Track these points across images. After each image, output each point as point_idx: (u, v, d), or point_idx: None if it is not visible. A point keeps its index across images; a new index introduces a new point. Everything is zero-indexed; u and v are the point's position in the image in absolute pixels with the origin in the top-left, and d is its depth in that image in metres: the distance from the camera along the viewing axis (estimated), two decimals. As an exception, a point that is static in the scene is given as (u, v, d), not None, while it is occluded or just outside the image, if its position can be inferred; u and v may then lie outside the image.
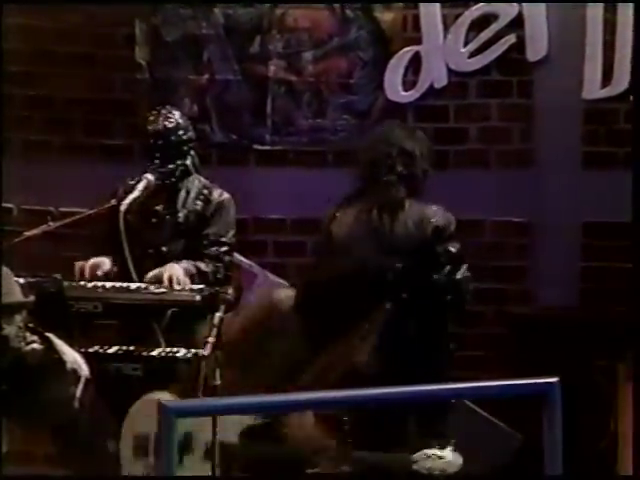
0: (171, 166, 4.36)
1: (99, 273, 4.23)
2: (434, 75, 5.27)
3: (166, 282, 4.11)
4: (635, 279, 4.16)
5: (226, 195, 4.44)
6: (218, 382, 3.90)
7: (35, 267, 4.52)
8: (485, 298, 5.32)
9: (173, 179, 4.37)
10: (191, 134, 4.45)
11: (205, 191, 4.42)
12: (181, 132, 4.39)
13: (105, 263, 4.28)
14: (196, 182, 4.44)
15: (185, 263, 4.23)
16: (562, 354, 4.64)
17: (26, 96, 5.42)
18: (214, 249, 4.33)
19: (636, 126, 4.56)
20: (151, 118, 4.42)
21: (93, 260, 4.26)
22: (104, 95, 5.41)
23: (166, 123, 4.37)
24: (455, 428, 3.78)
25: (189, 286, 4.13)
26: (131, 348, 4.11)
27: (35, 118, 5.43)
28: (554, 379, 2.35)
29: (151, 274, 4.16)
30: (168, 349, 4.08)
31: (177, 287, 4.09)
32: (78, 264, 4.25)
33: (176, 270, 4.16)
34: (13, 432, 3.46)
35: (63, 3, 5.34)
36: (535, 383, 2.38)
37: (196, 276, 4.22)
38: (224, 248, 4.35)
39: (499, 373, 4.70)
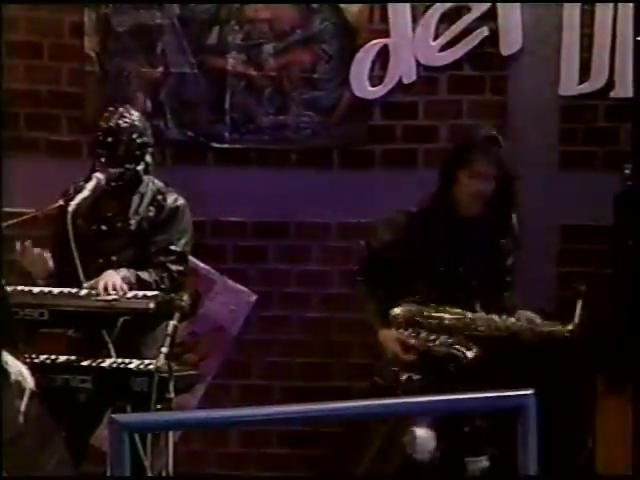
0: (119, 169, 4.30)
1: (36, 252, 4.20)
2: (403, 70, 5.29)
3: (101, 291, 4.08)
4: (615, 285, 4.20)
5: (181, 201, 4.41)
6: (172, 395, 3.89)
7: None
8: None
9: (121, 183, 4.33)
10: (147, 139, 4.38)
11: (159, 196, 4.38)
12: (135, 135, 4.33)
13: (48, 258, 4.25)
14: (150, 186, 4.40)
15: (124, 271, 4.19)
16: (537, 365, 4.66)
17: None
18: (161, 258, 4.29)
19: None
20: (106, 114, 4.38)
21: (38, 249, 4.24)
22: (50, 87, 5.38)
23: (120, 122, 4.32)
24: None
25: (143, 293, 4.11)
26: (80, 359, 4.09)
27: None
28: (528, 391, 2.36)
29: (87, 284, 4.13)
30: (120, 360, 4.06)
31: (113, 295, 4.05)
32: (22, 244, 4.22)
33: (113, 278, 4.12)
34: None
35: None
36: (509, 396, 2.39)
37: (135, 285, 4.18)
38: (172, 257, 4.31)
39: (472, 385, 4.71)
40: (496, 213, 4.33)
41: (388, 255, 4.33)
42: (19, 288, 4.13)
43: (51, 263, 4.27)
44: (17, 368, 3.49)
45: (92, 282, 4.13)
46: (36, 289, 4.16)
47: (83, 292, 4.12)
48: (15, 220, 4.36)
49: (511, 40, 5.21)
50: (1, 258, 4.08)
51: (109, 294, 4.06)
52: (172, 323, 3.92)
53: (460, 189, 4.28)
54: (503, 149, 4.35)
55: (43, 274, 4.27)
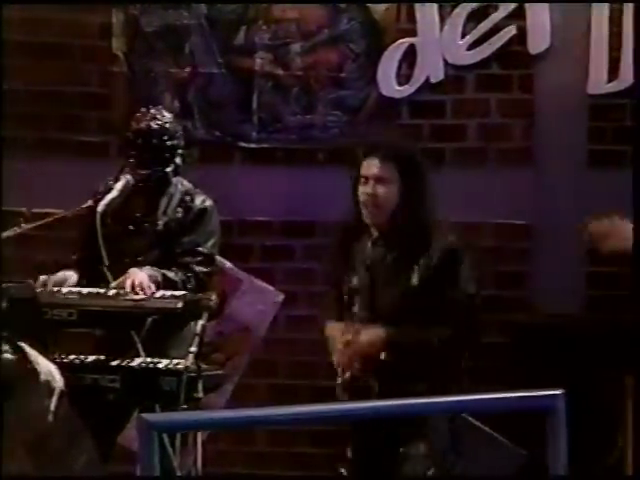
0: (147, 171, 4.32)
1: (63, 291, 4.21)
2: (430, 69, 5.29)
3: (128, 289, 4.10)
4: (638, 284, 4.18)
5: (209, 202, 4.42)
6: (200, 394, 3.91)
7: (6, 272, 4.53)
8: (483, 305, 5.35)
9: (149, 184, 4.35)
10: (178, 142, 4.38)
11: (187, 197, 4.39)
12: (165, 137, 4.33)
13: (71, 277, 4.26)
14: (179, 187, 4.41)
15: (149, 270, 4.21)
16: (566, 365, 4.66)
17: (-6, 90, 5.42)
18: (187, 259, 4.31)
19: (637, 126, 4.59)
20: (138, 115, 4.39)
21: (58, 275, 4.24)
22: (78, 88, 5.41)
23: (151, 123, 4.32)
24: (454, 444, 3.79)
25: (170, 292, 4.13)
26: (109, 358, 4.11)
27: (4, 113, 5.43)
28: (558, 391, 2.37)
29: (114, 283, 4.15)
30: (148, 359, 4.08)
31: (140, 294, 4.07)
32: (42, 278, 4.23)
33: (139, 275, 4.14)
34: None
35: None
36: (538, 396, 2.40)
37: (161, 284, 4.20)
38: (198, 258, 4.32)
39: (499, 385, 4.72)
40: (406, 224, 3.77)
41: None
42: (48, 288, 4.16)
43: (74, 278, 4.29)
44: (47, 368, 3.52)
45: (119, 280, 4.16)
46: (65, 289, 4.19)
47: (111, 292, 4.14)
48: (44, 221, 4.39)
49: (539, 39, 5.20)
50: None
51: (136, 292, 4.08)
52: (201, 323, 3.94)
53: (358, 194, 3.83)
54: (407, 150, 3.89)
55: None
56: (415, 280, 3.75)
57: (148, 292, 4.09)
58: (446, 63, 5.28)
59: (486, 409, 2.67)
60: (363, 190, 3.80)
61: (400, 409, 2.49)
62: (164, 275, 4.22)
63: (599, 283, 5.13)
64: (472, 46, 5.26)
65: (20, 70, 5.40)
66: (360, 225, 3.86)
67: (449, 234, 3.87)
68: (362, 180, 3.81)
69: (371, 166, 3.79)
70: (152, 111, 4.38)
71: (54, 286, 4.18)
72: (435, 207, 3.87)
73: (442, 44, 5.27)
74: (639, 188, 4.25)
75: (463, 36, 5.26)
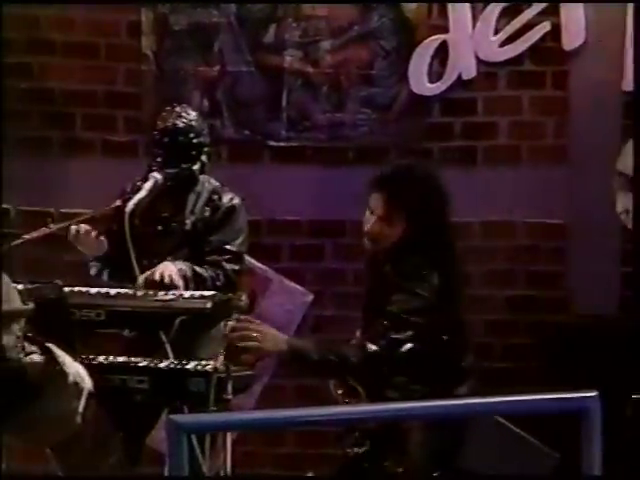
0: (175, 169, 4.35)
1: (92, 236, 4.26)
2: (462, 66, 5.28)
3: (157, 279, 4.12)
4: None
5: (236, 200, 4.44)
6: (229, 395, 3.92)
7: (34, 272, 4.56)
8: (517, 305, 5.33)
9: (177, 182, 4.37)
10: (204, 139, 4.42)
11: (215, 196, 4.42)
12: (192, 135, 4.37)
13: (104, 242, 4.32)
14: (206, 185, 4.43)
15: (181, 264, 4.25)
16: (601, 366, 4.64)
17: (23, 89, 5.45)
18: (215, 256, 4.33)
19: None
20: (164, 113, 4.42)
21: (85, 226, 4.30)
22: (107, 88, 5.44)
23: (177, 122, 4.36)
24: (485, 446, 3.78)
25: (199, 293, 4.15)
26: (137, 359, 4.13)
27: (33, 112, 5.46)
28: (592, 393, 2.36)
29: (143, 276, 4.18)
30: (177, 361, 4.09)
31: (168, 284, 4.09)
32: (73, 227, 4.28)
33: (169, 268, 4.17)
34: (12, 449, 3.48)
35: (63, 3, 5.37)
36: (572, 398, 2.39)
37: (191, 279, 4.23)
38: (227, 256, 4.35)
39: (532, 387, 4.71)
40: (400, 268, 3.50)
41: None
42: (76, 289, 4.18)
43: (105, 245, 4.33)
44: (75, 369, 3.52)
45: (148, 273, 4.19)
46: (93, 290, 4.21)
47: (140, 292, 4.16)
48: (72, 221, 4.41)
49: (573, 35, 5.19)
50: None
51: (164, 284, 4.11)
52: (230, 323, 3.95)
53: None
54: (420, 189, 3.54)
55: (97, 254, 4.35)
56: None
57: (176, 284, 4.11)
58: (478, 60, 5.27)
59: (519, 411, 2.66)
60: (367, 220, 3.60)
61: (435, 410, 2.48)
62: (194, 270, 4.25)
63: (634, 283, 5.10)
64: (505, 42, 5.25)
65: (49, 69, 5.43)
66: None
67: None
68: (368, 209, 3.61)
69: (377, 201, 3.56)
70: (177, 109, 4.41)
71: (85, 233, 4.22)
72: (449, 246, 3.61)
73: (474, 41, 5.26)
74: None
75: (496, 32, 5.25)
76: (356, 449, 3.61)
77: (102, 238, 4.32)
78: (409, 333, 3.43)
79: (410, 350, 3.44)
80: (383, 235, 3.57)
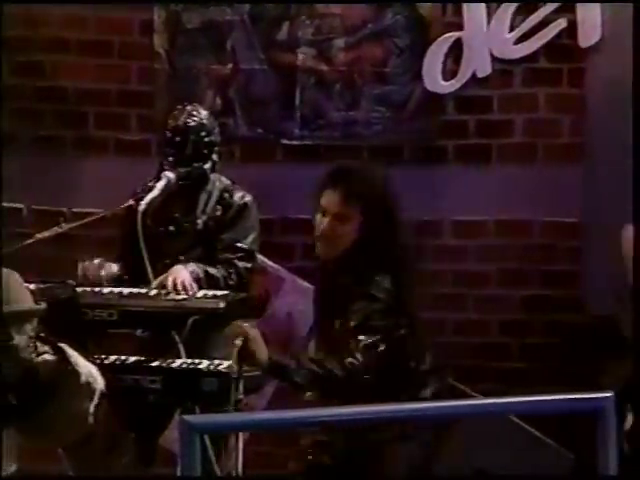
0: (187, 168, 4.36)
1: (102, 273, 4.26)
2: (477, 63, 5.28)
3: (170, 286, 4.13)
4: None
5: (248, 197, 4.45)
6: (242, 396, 3.93)
7: (47, 272, 4.57)
8: (532, 305, 5.33)
9: (189, 182, 4.39)
10: (215, 138, 4.44)
11: (226, 194, 4.43)
12: (203, 133, 4.39)
13: (111, 266, 4.31)
14: (217, 184, 4.45)
15: (193, 266, 4.26)
16: (617, 367, 4.63)
17: (35, 88, 5.47)
18: (228, 255, 4.34)
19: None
20: (175, 112, 4.44)
21: (98, 260, 4.30)
22: (119, 86, 5.45)
23: (188, 120, 4.38)
24: (500, 446, 3.79)
25: (212, 292, 4.16)
26: (150, 359, 4.14)
27: (45, 111, 5.48)
28: (608, 394, 2.36)
29: (156, 282, 4.19)
30: (189, 361, 4.11)
31: (182, 292, 4.10)
32: (82, 264, 4.28)
33: (182, 274, 4.18)
34: (24, 449, 3.50)
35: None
36: (587, 398, 2.39)
37: (203, 280, 4.24)
38: (239, 254, 4.36)
39: (547, 387, 4.70)
40: (357, 269, 3.51)
41: None
42: (89, 289, 4.20)
43: (115, 268, 4.33)
44: (87, 369, 3.54)
45: (161, 278, 4.19)
46: (106, 290, 4.22)
47: (152, 292, 4.18)
48: (84, 220, 4.43)
49: (590, 32, 5.18)
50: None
51: (178, 291, 4.11)
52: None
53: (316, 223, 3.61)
54: (374, 186, 3.57)
55: (109, 281, 4.35)
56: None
57: (190, 291, 4.12)
58: (493, 57, 5.27)
59: (535, 411, 2.66)
60: (319, 222, 3.58)
61: (449, 410, 2.48)
62: (206, 271, 4.26)
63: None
64: (520, 40, 5.25)
65: (61, 68, 5.45)
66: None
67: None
68: (321, 210, 3.58)
69: (331, 199, 3.53)
70: (188, 108, 4.43)
71: (94, 269, 4.23)
72: (402, 247, 3.63)
73: (489, 38, 5.25)
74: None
75: (511, 29, 5.24)
76: (318, 456, 3.63)
77: (109, 264, 4.31)
78: (378, 336, 3.45)
79: (381, 352, 3.46)
80: (337, 236, 3.54)
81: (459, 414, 2.62)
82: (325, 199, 3.55)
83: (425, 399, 3.50)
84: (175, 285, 4.13)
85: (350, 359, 3.40)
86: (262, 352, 3.44)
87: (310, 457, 3.64)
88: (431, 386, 3.59)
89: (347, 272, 3.53)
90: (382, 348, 3.46)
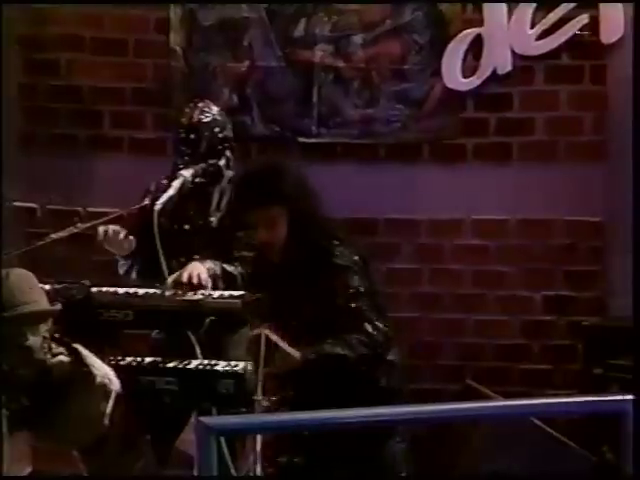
0: (202, 165, 4.37)
1: (121, 237, 4.28)
2: (497, 60, 5.27)
3: (185, 279, 4.14)
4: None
5: None
6: (260, 397, 3.93)
7: (62, 272, 4.58)
8: (553, 306, 5.32)
9: (203, 179, 4.39)
10: (228, 133, 4.44)
11: None
12: (217, 129, 4.40)
13: (129, 237, 4.33)
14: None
15: (209, 263, 4.26)
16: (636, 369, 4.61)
17: (50, 86, 5.49)
18: (243, 252, 4.34)
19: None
20: (186, 110, 4.44)
21: (113, 226, 4.32)
22: (135, 84, 5.47)
23: (202, 117, 4.38)
24: (521, 447, 3.78)
25: (229, 292, 4.16)
26: (166, 360, 4.14)
27: (59, 110, 5.50)
28: (630, 396, 2.35)
29: (171, 278, 4.19)
30: (206, 361, 4.11)
31: (197, 286, 4.11)
32: (101, 228, 4.31)
33: (198, 268, 4.19)
34: (38, 451, 3.51)
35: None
36: (609, 400, 2.39)
37: (219, 277, 4.24)
38: (255, 251, 4.36)
39: (568, 389, 4.69)
40: (298, 251, 3.93)
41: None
42: (104, 289, 4.20)
43: (134, 244, 4.35)
44: (103, 370, 3.55)
45: (176, 274, 4.20)
46: (121, 290, 4.23)
47: (168, 292, 4.18)
48: (100, 220, 4.44)
49: (612, 28, 5.16)
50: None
51: (193, 285, 4.12)
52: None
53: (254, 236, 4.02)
54: (284, 184, 3.96)
55: (126, 253, 4.37)
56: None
57: (205, 285, 4.13)
58: (514, 54, 5.26)
59: (557, 413, 2.66)
60: (257, 235, 3.96)
61: (470, 412, 2.48)
62: (223, 268, 4.27)
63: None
64: (541, 36, 5.24)
65: (76, 66, 5.46)
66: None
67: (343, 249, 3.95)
68: (261, 226, 3.94)
69: (257, 214, 3.92)
70: (200, 104, 4.43)
71: (114, 235, 4.25)
72: (327, 223, 4.05)
73: (510, 34, 5.24)
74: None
75: (532, 25, 5.23)
76: (289, 458, 3.69)
77: (131, 237, 4.34)
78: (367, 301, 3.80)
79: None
80: (276, 236, 3.92)
81: (480, 416, 2.61)
82: (252, 216, 3.93)
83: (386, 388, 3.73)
84: (190, 278, 4.14)
85: (369, 329, 3.73)
86: (291, 350, 3.58)
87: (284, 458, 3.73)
88: (394, 377, 3.87)
89: (299, 256, 3.86)
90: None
